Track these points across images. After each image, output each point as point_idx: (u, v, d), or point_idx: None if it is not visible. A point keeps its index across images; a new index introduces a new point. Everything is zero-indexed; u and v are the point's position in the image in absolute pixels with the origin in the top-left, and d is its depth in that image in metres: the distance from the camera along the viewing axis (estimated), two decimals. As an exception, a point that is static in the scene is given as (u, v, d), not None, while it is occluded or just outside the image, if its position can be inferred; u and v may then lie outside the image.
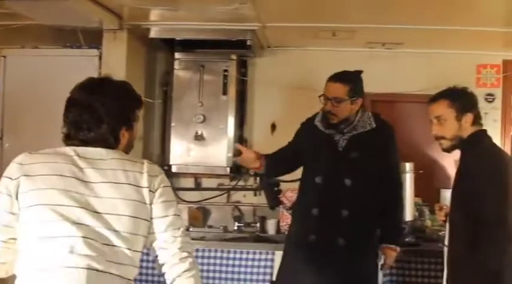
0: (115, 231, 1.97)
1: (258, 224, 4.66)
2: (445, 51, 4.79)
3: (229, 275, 4.11)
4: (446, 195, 4.79)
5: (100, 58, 4.20)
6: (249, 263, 4.10)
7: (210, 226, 4.78)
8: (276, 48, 4.83)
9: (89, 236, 1.93)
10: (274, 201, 4.67)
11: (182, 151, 4.60)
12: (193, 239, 4.30)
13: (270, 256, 4.07)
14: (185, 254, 2.07)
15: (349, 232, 3.33)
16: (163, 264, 2.08)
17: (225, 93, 4.55)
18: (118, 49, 4.20)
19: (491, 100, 4.86)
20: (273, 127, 4.88)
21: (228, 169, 4.59)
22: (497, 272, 2.65)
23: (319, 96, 3.44)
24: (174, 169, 4.63)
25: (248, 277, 4.09)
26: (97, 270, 1.91)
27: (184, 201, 4.83)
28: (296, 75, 4.82)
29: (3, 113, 4.39)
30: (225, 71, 4.55)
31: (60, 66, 4.30)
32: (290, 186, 4.71)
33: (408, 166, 4.43)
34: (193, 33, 4.29)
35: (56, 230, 1.93)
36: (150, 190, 2.06)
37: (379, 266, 3.59)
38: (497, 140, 4.78)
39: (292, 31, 4.30)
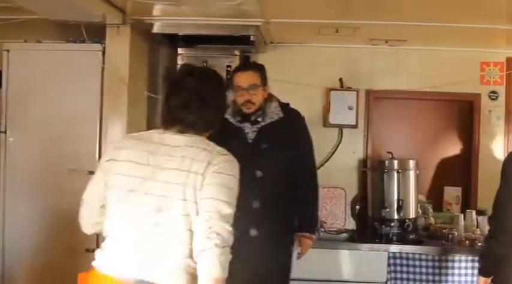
0: None
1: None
2: (448, 49, 4.79)
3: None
4: (450, 192, 4.82)
5: (103, 53, 4.19)
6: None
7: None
8: (279, 44, 4.82)
9: None
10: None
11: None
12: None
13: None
14: (214, 234, 2.09)
15: (261, 223, 3.34)
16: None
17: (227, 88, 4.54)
18: (121, 44, 4.19)
19: (494, 97, 4.86)
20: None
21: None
22: None
23: (235, 90, 3.45)
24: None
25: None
26: None
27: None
28: (298, 71, 4.83)
29: (7, 107, 4.39)
30: (228, 66, 4.52)
31: (64, 60, 4.29)
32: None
33: (411, 163, 4.45)
34: (196, 29, 4.27)
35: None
36: (202, 175, 2.16)
37: (296, 256, 3.61)
38: (500, 138, 4.80)
39: (295, 27, 4.29)
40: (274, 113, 3.49)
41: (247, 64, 3.64)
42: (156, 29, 4.29)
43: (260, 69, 3.53)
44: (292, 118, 3.56)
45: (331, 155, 4.84)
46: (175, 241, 2.16)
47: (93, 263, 2.27)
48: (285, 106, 3.58)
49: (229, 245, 2.12)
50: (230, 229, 2.13)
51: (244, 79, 3.45)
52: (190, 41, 4.53)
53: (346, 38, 4.51)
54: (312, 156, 3.67)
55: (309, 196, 3.61)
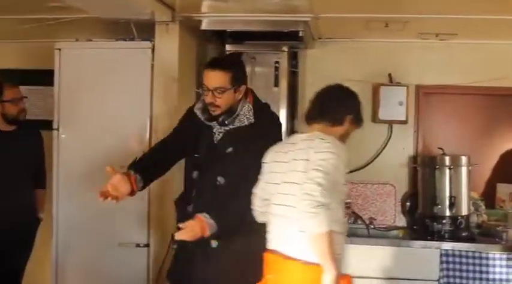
0: None
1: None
2: (499, 42, 4.68)
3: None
4: (503, 189, 4.71)
5: (153, 50, 4.22)
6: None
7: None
8: (327, 39, 4.79)
9: None
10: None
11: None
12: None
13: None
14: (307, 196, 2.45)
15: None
16: None
17: (276, 85, 4.53)
18: (170, 41, 4.22)
19: (546, 92, 4.73)
20: (323, 119, 4.83)
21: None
22: None
23: (199, 88, 3.13)
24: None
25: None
26: None
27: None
28: (347, 67, 4.78)
29: (59, 105, 4.47)
30: (276, 62, 4.52)
31: (114, 58, 4.34)
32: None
33: (464, 159, 4.37)
34: (245, 25, 4.25)
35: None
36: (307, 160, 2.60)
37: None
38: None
39: (344, 22, 4.25)
40: (245, 117, 3.08)
41: (217, 60, 3.15)
42: (204, 26, 4.29)
43: (233, 67, 3.09)
44: (262, 124, 3.11)
45: (381, 151, 4.79)
46: None
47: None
48: (259, 111, 3.14)
49: None
50: None
51: (210, 79, 3.04)
52: (238, 37, 4.53)
53: (396, 33, 4.44)
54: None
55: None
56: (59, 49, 4.49)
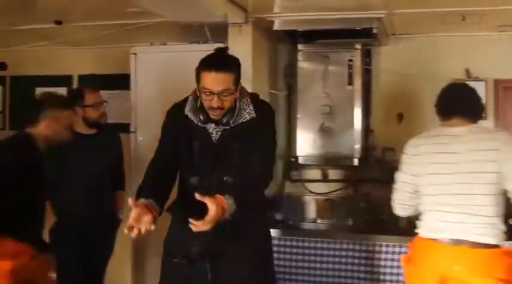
0: None
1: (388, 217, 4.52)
2: None
3: (362, 268, 4.06)
4: None
5: (226, 52, 4.25)
6: (383, 256, 4.02)
7: (339, 218, 4.72)
8: (401, 35, 4.69)
9: None
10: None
11: (309, 143, 4.60)
12: (320, 231, 4.39)
13: (404, 250, 3.94)
14: None
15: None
16: None
17: (350, 83, 4.48)
18: (243, 42, 4.24)
19: None
20: (400, 117, 4.76)
21: (356, 161, 4.53)
22: None
23: (201, 91, 2.82)
24: (300, 160, 4.63)
25: (381, 270, 4.02)
26: None
27: (312, 192, 4.84)
28: (422, 63, 4.67)
29: (136, 108, 4.56)
30: (350, 60, 4.48)
31: (188, 61, 4.35)
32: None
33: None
34: (318, 24, 4.22)
35: None
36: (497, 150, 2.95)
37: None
38: None
39: (419, 17, 4.14)
40: (245, 112, 2.93)
41: (218, 62, 2.84)
42: (277, 26, 4.29)
43: (235, 67, 2.88)
44: (263, 115, 2.99)
45: (459, 149, 4.65)
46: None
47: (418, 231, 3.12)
48: (256, 104, 3.00)
49: None
50: None
51: (215, 82, 2.78)
52: (310, 36, 4.52)
53: (473, 26, 4.31)
54: (271, 153, 3.08)
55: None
56: (135, 54, 4.60)
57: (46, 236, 4.22)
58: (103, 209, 4.29)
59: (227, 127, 2.90)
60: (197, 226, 2.60)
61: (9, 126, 5.96)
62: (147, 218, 2.64)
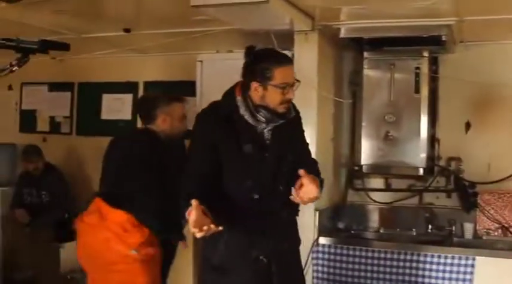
0: None
1: (453, 228, 4.43)
2: None
3: (426, 280, 3.98)
4: None
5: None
6: (448, 268, 3.93)
7: (402, 228, 4.65)
8: (470, 42, 4.57)
9: None
10: (470, 203, 4.51)
11: (373, 151, 4.54)
12: (384, 240, 4.33)
13: (470, 262, 3.87)
14: None
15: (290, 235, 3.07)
16: None
17: (417, 91, 4.40)
18: (310, 50, 4.23)
19: None
20: (467, 126, 4.65)
21: (421, 170, 4.44)
22: None
23: (277, 86, 2.79)
24: (364, 169, 4.58)
25: (446, 282, 3.93)
26: None
27: (375, 201, 4.78)
28: (491, 71, 4.52)
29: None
30: (417, 68, 4.40)
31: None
32: (487, 188, 4.52)
33: None
34: (385, 31, 4.16)
35: None
36: None
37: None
38: None
39: (489, 24, 4.03)
40: (292, 110, 2.96)
41: (283, 55, 2.96)
42: (343, 34, 4.25)
43: None
44: (298, 116, 3.07)
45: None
46: None
47: None
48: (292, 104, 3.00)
49: None
50: None
51: (291, 74, 2.87)
52: (375, 43, 4.45)
53: (545, 33, 4.19)
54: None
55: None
56: (201, 61, 4.64)
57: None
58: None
59: (277, 124, 2.87)
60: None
61: (76, 131, 6.12)
62: (207, 221, 2.52)
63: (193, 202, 2.52)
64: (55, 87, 6.20)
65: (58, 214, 5.60)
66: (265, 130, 2.90)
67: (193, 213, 2.49)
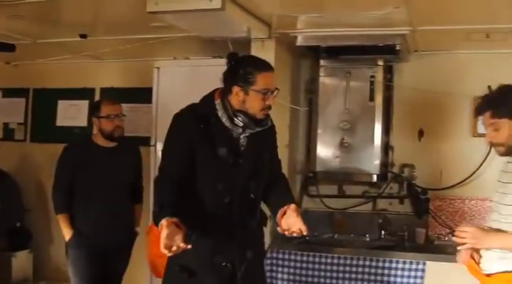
0: None
1: (405, 233, 4.50)
2: None
3: (378, 284, 4.04)
4: None
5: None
6: (399, 272, 4.00)
7: (356, 234, 4.70)
8: (424, 52, 4.67)
9: None
10: (422, 209, 4.59)
11: (328, 158, 4.59)
12: (338, 246, 4.37)
13: (420, 266, 3.95)
14: None
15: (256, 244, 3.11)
16: None
17: (371, 99, 4.48)
18: (266, 57, 4.07)
19: None
20: (421, 133, 4.74)
21: (375, 177, 4.51)
22: None
23: (259, 92, 2.85)
24: (319, 176, 4.63)
25: (398, 287, 3.99)
26: None
27: (330, 207, 4.83)
28: (445, 80, 4.65)
29: (157, 122, 4.59)
30: (372, 76, 4.48)
31: (210, 75, 4.38)
32: (439, 194, 4.62)
33: None
34: (341, 40, 4.23)
35: None
36: None
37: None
38: None
39: (443, 34, 4.14)
40: (269, 119, 3.04)
41: (266, 62, 2.99)
42: (300, 42, 4.32)
43: None
44: (274, 127, 3.17)
45: (480, 166, 4.62)
46: None
47: None
48: None
49: None
50: None
51: (273, 81, 2.93)
52: (332, 52, 4.51)
53: (497, 43, 4.29)
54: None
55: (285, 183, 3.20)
56: (158, 67, 4.63)
57: (63, 250, 4.27)
58: (120, 222, 4.29)
59: (253, 132, 2.92)
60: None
61: (30, 138, 6.02)
62: (179, 236, 2.57)
63: (164, 221, 2.58)
64: (9, 93, 6.09)
65: (10, 223, 5.51)
66: (241, 136, 2.94)
67: (164, 232, 2.54)
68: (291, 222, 2.78)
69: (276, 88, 2.95)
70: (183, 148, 2.87)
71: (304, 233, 2.77)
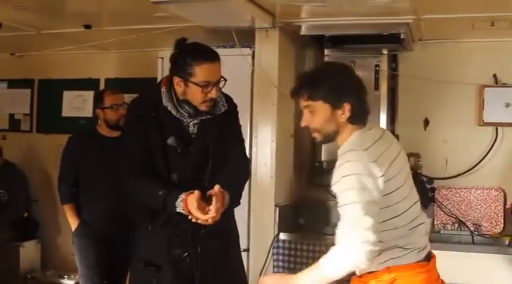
0: None
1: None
2: None
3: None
4: None
5: (253, 56, 4.28)
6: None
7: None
8: (428, 41, 4.66)
9: None
10: (428, 199, 4.58)
11: (333, 148, 4.54)
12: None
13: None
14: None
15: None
16: None
17: (376, 88, 4.46)
18: (270, 47, 4.26)
19: None
20: (426, 122, 4.73)
21: (382, 166, 4.49)
22: None
23: (198, 84, 2.73)
24: (325, 165, 4.62)
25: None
26: None
27: (335, 197, 4.81)
28: (449, 69, 4.63)
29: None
30: (377, 66, 4.46)
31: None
32: (444, 183, 4.61)
33: None
34: (345, 29, 4.23)
35: None
36: None
37: None
38: None
39: (448, 22, 4.12)
40: (220, 104, 2.90)
41: (211, 52, 2.81)
42: (304, 31, 4.30)
43: (219, 56, 2.84)
44: (232, 108, 3.01)
45: (485, 155, 4.61)
46: None
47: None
48: (226, 97, 2.99)
49: None
50: None
51: (214, 72, 2.77)
52: (336, 41, 4.49)
53: (502, 31, 4.26)
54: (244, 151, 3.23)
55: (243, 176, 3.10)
56: (162, 58, 4.61)
57: (70, 239, 4.30)
58: (124, 210, 4.32)
59: (203, 118, 2.83)
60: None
61: (36, 129, 6.04)
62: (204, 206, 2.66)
63: (183, 196, 2.64)
64: (14, 84, 6.10)
65: (17, 213, 5.54)
66: (190, 124, 2.86)
67: (192, 207, 2.62)
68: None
69: (221, 79, 2.81)
70: (139, 138, 2.83)
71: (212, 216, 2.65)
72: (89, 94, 5.65)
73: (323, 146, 4.58)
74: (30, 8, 4.07)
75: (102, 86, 5.61)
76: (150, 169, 2.81)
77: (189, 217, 2.67)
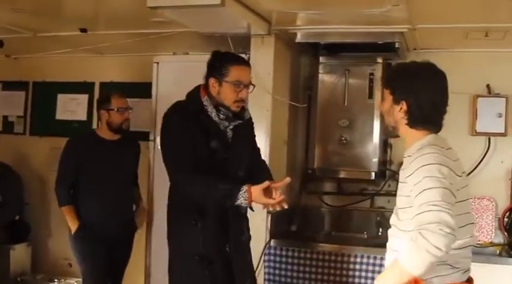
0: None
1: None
2: None
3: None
4: None
5: (248, 63, 4.28)
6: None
7: (353, 231, 4.71)
8: (422, 50, 4.67)
9: None
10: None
11: (326, 155, 4.60)
12: (336, 243, 4.38)
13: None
14: None
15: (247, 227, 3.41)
16: None
17: (370, 96, 4.49)
18: (265, 54, 4.27)
19: None
20: (419, 131, 4.74)
21: (373, 174, 4.51)
22: None
23: (231, 84, 3.09)
24: (317, 172, 4.64)
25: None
26: None
27: (328, 204, 4.84)
28: (443, 78, 4.66)
29: (157, 117, 4.60)
30: (371, 74, 4.48)
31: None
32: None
33: None
34: (340, 37, 4.26)
35: None
36: None
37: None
38: None
39: (442, 32, 4.15)
40: (247, 112, 3.34)
41: (240, 57, 3.30)
42: (299, 38, 4.33)
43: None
44: (251, 118, 3.45)
45: (477, 165, 4.63)
46: None
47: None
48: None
49: None
50: None
51: (246, 74, 3.18)
52: (332, 49, 4.54)
53: (496, 42, 4.29)
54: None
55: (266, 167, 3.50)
56: (157, 63, 4.63)
57: (62, 243, 4.30)
58: (124, 212, 4.36)
59: (236, 124, 3.17)
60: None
61: (29, 131, 6.02)
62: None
63: (246, 187, 2.93)
64: (9, 86, 6.08)
65: (10, 215, 5.53)
66: (227, 129, 3.17)
67: (260, 198, 2.96)
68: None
69: (251, 84, 3.17)
70: (188, 146, 3.05)
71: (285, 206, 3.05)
72: (83, 98, 5.65)
73: (315, 154, 4.61)
74: (26, 11, 4.07)
75: (96, 90, 5.60)
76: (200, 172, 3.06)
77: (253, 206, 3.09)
